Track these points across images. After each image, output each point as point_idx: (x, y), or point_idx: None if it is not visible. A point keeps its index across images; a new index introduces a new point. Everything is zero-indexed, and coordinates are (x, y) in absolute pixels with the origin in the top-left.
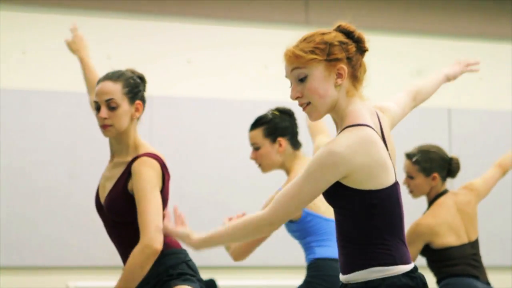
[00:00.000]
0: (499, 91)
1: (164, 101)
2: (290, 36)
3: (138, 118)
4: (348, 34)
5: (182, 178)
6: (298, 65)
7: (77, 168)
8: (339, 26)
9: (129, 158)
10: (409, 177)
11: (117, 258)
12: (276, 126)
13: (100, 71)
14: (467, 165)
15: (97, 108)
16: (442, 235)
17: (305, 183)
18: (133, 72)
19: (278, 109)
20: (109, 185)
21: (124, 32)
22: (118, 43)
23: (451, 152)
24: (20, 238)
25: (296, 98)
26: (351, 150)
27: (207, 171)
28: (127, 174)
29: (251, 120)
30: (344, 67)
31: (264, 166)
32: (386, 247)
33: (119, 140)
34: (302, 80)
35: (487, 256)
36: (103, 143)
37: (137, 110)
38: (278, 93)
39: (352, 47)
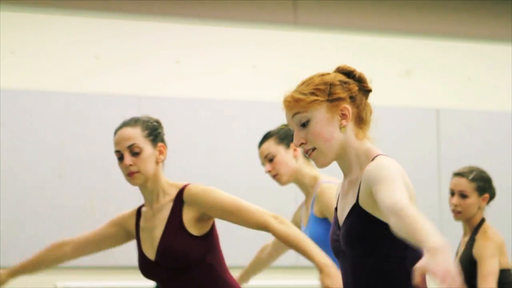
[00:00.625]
0: (488, 92)
1: (152, 101)
2: (278, 36)
3: (162, 161)
4: (349, 74)
5: (171, 179)
6: (299, 110)
7: (66, 168)
8: (338, 67)
9: (170, 197)
10: (462, 195)
11: (105, 259)
12: (286, 133)
13: (89, 70)
14: (455, 166)
15: (120, 158)
16: (504, 255)
17: (397, 180)
18: (148, 117)
19: (283, 124)
20: (158, 232)
21: (113, 32)
22: (106, 43)
23: (439, 153)
24: (7, 238)
25: (301, 145)
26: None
27: (195, 171)
28: (178, 207)
29: (240, 119)
30: (347, 107)
31: (282, 174)
32: None
33: (151, 189)
34: (305, 124)
35: None
36: (92, 143)
37: (161, 152)
38: (267, 93)
39: (354, 86)
